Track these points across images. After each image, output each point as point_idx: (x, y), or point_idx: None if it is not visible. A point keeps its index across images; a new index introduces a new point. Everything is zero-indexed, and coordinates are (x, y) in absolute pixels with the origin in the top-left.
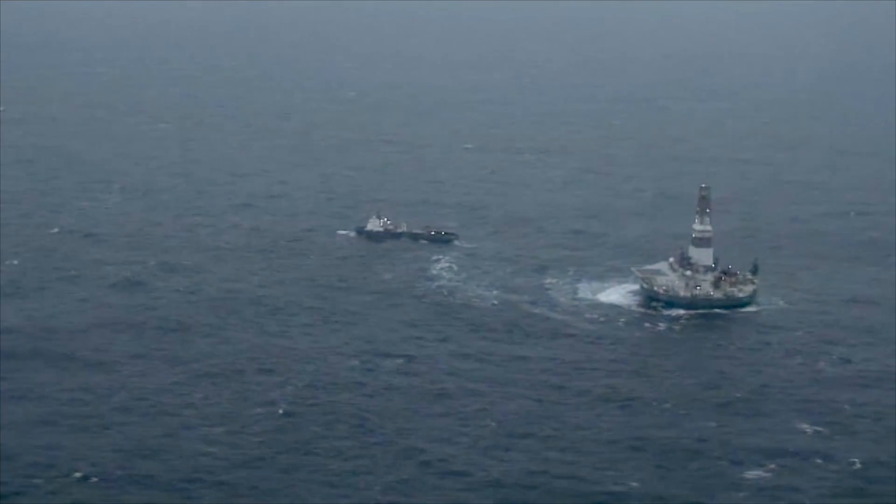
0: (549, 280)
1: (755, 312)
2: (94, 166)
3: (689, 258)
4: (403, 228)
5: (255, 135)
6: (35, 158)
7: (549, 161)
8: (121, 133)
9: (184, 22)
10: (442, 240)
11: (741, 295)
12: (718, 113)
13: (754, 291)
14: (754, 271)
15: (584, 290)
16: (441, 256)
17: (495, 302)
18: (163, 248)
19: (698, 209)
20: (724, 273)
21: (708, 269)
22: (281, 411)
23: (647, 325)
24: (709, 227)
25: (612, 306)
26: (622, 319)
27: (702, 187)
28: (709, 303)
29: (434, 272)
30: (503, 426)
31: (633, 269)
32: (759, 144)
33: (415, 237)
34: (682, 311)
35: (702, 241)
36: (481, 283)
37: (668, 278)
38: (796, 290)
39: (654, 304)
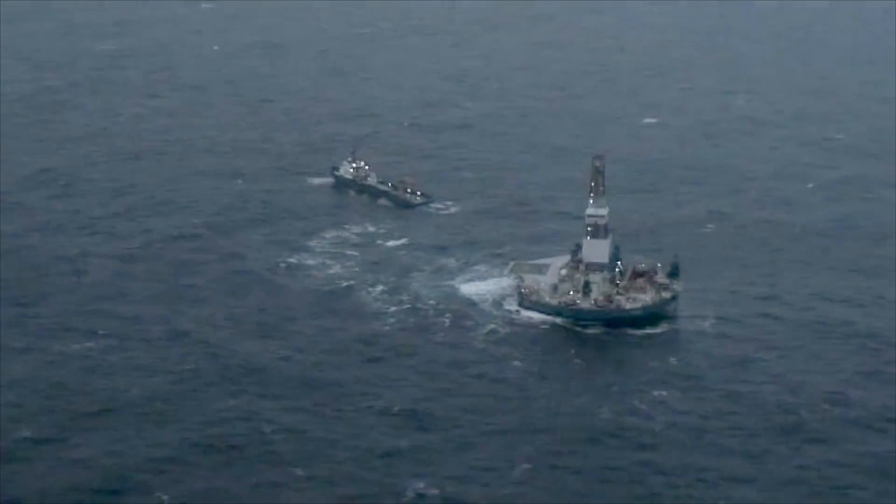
0: (445, 260)
1: (650, 335)
2: None
3: (578, 252)
4: (372, 180)
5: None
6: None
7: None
8: None
9: None
10: (406, 203)
11: (629, 307)
12: None
13: (663, 302)
14: (673, 274)
15: (463, 278)
16: (368, 222)
17: (343, 282)
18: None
19: (592, 186)
20: (637, 274)
21: (602, 267)
22: None
23: (454, 328)
24: (603, 211)
25: (465, 299)
26: (445, 316)
27: (595, 157)
28: (577, 315)
29: (319, 244)
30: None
31: (512, 261)
32: None
33: (377, 193)
34: (538, 317)
35: (596, 231)
36: (355, 262)
37: (539, 277)
38: (741, 304)
39: (519, 306)
